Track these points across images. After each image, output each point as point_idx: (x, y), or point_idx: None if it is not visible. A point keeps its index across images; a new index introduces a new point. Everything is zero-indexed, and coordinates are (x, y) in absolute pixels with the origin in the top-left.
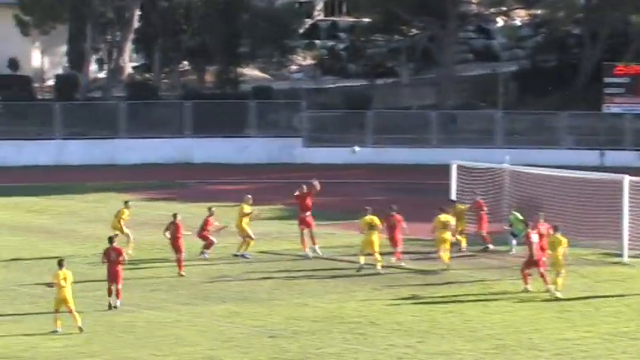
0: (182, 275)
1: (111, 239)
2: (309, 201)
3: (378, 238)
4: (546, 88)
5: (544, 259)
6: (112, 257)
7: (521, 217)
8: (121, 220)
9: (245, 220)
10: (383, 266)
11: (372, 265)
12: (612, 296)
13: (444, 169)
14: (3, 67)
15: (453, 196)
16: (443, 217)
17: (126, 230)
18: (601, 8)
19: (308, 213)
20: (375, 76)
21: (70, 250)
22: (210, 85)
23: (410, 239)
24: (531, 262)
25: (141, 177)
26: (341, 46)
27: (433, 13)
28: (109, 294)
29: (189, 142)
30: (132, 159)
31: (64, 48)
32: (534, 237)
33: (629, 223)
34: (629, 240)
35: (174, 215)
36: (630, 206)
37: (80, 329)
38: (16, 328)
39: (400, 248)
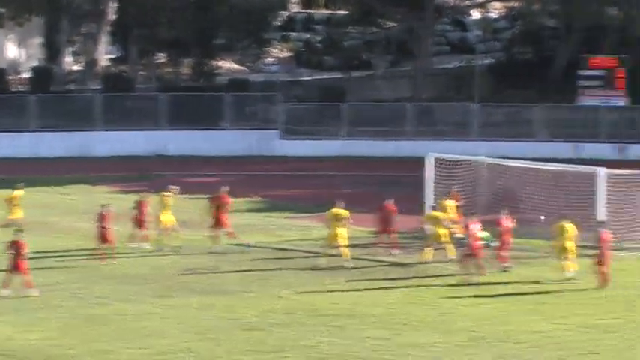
0: (103, 265)
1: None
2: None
3: (344, 232)
4: (522, 80)
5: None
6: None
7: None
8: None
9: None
10: (348, 260)
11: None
12: (587, 289)
13: (420, 162)
14: None
15: (430, 188)
16: (434, 212)
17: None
18: (576, 1)
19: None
20: (351, 68)
21: (45, 243)
22: (185, 78)
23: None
24: (469, 254)
25: (116, 169)
26: (317, 38)
27: (409, 6)
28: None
29: (164, 135)
30: (107, 151)
31: (39, 40)
32: (474, 228)
33: (604, 215)
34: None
35: (103, 206)
36: (605, 198)
37: None
38: None
39: (393, 238)
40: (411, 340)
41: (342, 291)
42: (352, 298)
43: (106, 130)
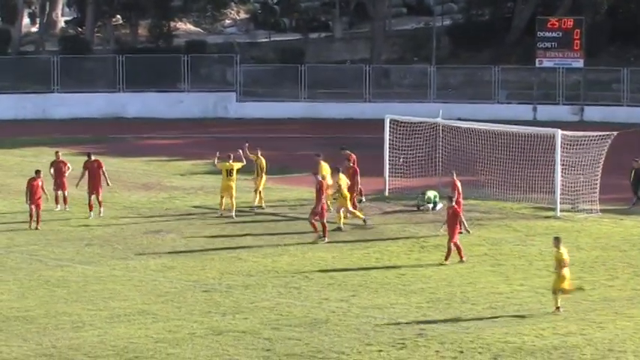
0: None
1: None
2: None
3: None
4: (480, 42)
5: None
6: None
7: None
8: None
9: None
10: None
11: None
12: (545, 250)
13: (378, 124)
14: None
15: (387, 150)
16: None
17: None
18: None
19: None
20: (309, 30)
21: (3, 205)
22: (143, 40)
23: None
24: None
25: (73, 131)
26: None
27: None
28: None
29: (122, 97)
30: (64, 113)
31: None
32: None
33: (561, 177)
34: (562, 194)
35: (37, 172)
36: (562, 160)
37: None
38: None
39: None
40: (369, 302)
41: (302, 253)
42: (311, 260)
43: (64, 92)
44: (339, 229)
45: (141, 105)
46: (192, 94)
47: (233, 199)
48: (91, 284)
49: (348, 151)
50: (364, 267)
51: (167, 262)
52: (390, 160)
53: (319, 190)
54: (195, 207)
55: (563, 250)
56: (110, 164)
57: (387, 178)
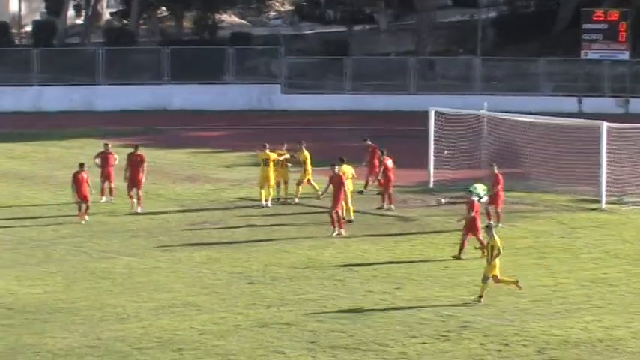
0: (82, 223)
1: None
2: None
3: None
4: (525, 34)
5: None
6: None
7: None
8: None
9: None
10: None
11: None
12: (590, 243)
13: (423, 116)
14: None
15: (431, 142)
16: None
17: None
18: None
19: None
20: (354, 22)
21: (50, 197)
22: (188, 32)
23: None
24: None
25: (119, 123)
26: None
27: None
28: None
29: (167, 89)
30: (110, 105)
31: None
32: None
33: (607, 169)
34: (607, 186)
35: (81, 165)
36: (607, 152)
37: None
38: None
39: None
40: (413, 295)
41: (346, 246)
42: (355, 253)
43: (109, 84)
44: (349, 221)
45: (186, 97)
46: (237, 86)
47: (271, 189)
48: (136, 276)
49: (369, 142)
50: (408, 260)
51: (212, 253)
52: (434, 153)
53: (337, 183)
54: (239, 199)
55: (497, 238)
56: (155, 156)
57: (432, 171)
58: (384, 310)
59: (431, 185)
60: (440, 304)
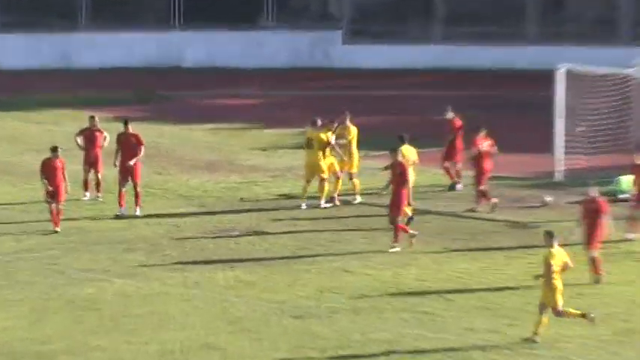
0: (56, 231)
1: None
2: None
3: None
4: None
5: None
6: None
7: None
8: None
9: None
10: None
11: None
12: None
13: (547, 76)
14: None
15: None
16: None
17: None
18: None
19: None
20: None
21: (10, 193)
22: None
23: (495, 177)
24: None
25: (108, 86)
26: None
27: None
28: None
29: (177, 38)
30: (94, 61)
31: None
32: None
33: None
34: None
35: (53, 149)
36: None
37: None
38: None
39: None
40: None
41: (436, 264)
42: (448, 273)
43: (94, 32)
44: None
45: (204, 50)
46: (279, 34)
47: (324, 183)
48: (134, 306)
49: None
50: (524, 284)
51: (242, 274)
52: (564, 130)
53: (400, 174)
54: (281, 196)
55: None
56: (161, 134)
57: (560, 156)
58: (490, 356)
59: (558, 176)
60: (570, 348)
